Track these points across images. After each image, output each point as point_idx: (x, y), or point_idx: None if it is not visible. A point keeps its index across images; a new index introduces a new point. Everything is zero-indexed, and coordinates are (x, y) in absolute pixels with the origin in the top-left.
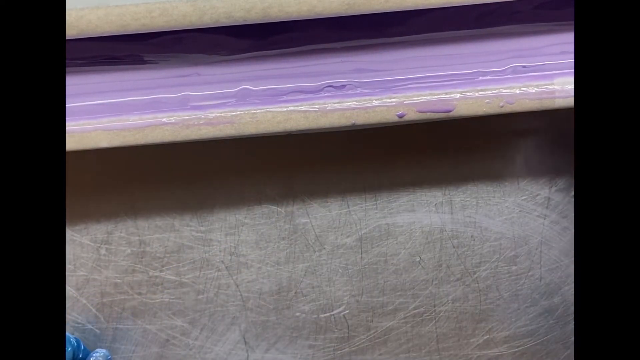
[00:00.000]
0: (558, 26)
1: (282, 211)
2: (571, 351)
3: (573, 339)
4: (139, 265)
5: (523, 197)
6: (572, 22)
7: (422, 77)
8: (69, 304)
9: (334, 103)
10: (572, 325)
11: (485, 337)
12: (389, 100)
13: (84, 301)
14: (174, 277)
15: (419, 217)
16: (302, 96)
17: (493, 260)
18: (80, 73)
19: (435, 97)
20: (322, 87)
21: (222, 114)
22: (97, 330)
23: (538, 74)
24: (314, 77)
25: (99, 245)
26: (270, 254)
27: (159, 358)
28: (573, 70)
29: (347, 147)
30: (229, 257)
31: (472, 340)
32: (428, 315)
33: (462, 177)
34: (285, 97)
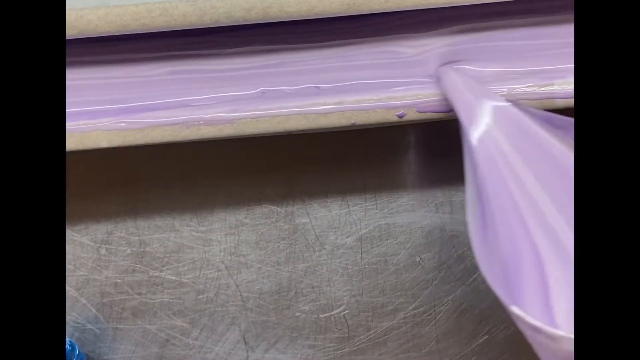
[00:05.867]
0: (558, 24)
1: (282, 211)
2: None
3: None
4: (139, 265)
5: None
6: (572, 22)
7: (422, 77)
8: (69, 304)
9: (334, 103)
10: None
11: (485, 337)
12: (388, 101)
13: (84, 301)
14: (174, 277)
15: (419, 217)
16: (301, 96)
17: None
18: (80, 69)
19: (435, 97)
20: (323, 86)
21: (222, 114)
22: (97, 331)
23: (538, 74)
24: (314, 76)
25: (99, 245)
26: (270, 254)
27: (159, 358)
28: (573, 70)
29: (347, 147)
30: (229, 257)
31: (472, 340)
32: (428, 315)
33: (462, 177)
34: (284, 97)
